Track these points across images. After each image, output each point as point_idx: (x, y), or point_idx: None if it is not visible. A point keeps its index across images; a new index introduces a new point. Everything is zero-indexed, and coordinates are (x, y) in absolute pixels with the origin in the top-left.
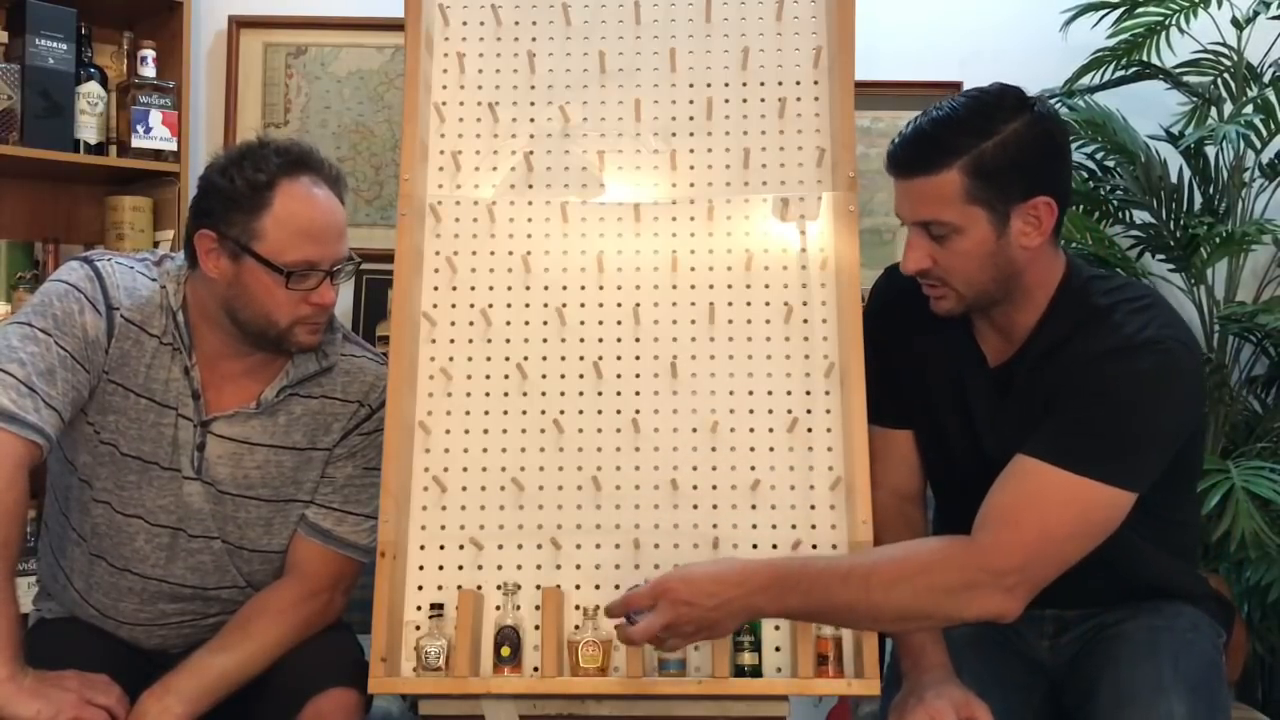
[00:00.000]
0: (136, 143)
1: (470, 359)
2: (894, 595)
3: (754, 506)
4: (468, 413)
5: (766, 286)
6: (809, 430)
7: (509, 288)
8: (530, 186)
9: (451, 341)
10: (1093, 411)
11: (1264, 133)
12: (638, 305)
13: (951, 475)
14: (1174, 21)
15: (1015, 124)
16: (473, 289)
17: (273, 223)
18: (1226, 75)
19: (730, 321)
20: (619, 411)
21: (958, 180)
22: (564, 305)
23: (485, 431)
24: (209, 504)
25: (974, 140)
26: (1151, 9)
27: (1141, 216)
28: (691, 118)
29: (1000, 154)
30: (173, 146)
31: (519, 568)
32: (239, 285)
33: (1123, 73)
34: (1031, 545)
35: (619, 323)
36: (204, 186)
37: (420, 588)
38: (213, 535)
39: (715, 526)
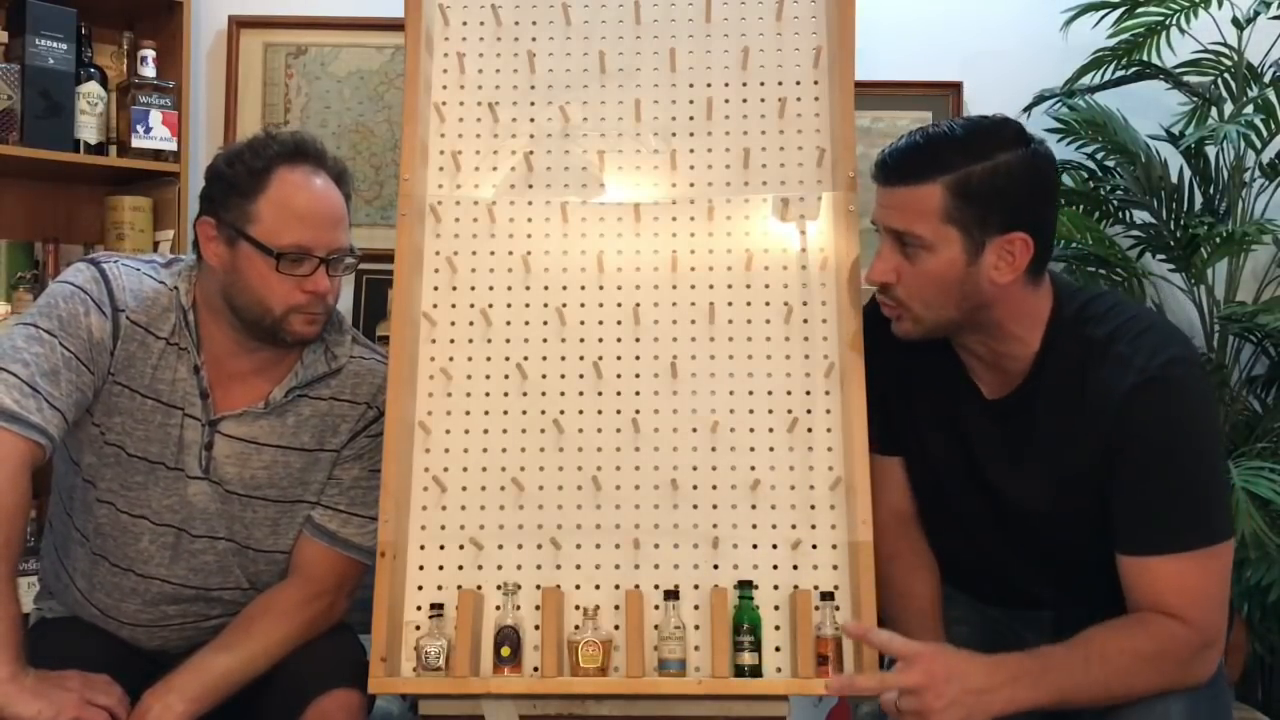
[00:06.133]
0: (136, 143)
1: (470, 359)
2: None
3: (754, 506)
4: (468, 413)
5: (766, 286)
6: (809, 430)
7: (509, 288)
8: (530, 186)
9: (451, 341)
10: (1167, 487)
11: (1264, 133)
12: (638, 305)
13: (942, 502)
14: (1174, 21)
15: (1009, 155)
16: (473, 289)
17: (267, 206)
18: (1227, 75)
19: (730, 321)
20: (619, 411)
21: (939, 196)
22: (564, 305)
23: (485, 431)
24: (216, 504)
25: (964, 160)
26: (1152, 9)
27: (1141, 216)
28: (691, 118)
29: (987, 180)
30: (173, 146)
31: (519, 568)
32: (235, 271)
33: (1123, 73)
34: (1211, 619)
35: (619, 323)
36: (208, 175)
37: (420, 588)
38: (218, 535)
39: (715, 526)
